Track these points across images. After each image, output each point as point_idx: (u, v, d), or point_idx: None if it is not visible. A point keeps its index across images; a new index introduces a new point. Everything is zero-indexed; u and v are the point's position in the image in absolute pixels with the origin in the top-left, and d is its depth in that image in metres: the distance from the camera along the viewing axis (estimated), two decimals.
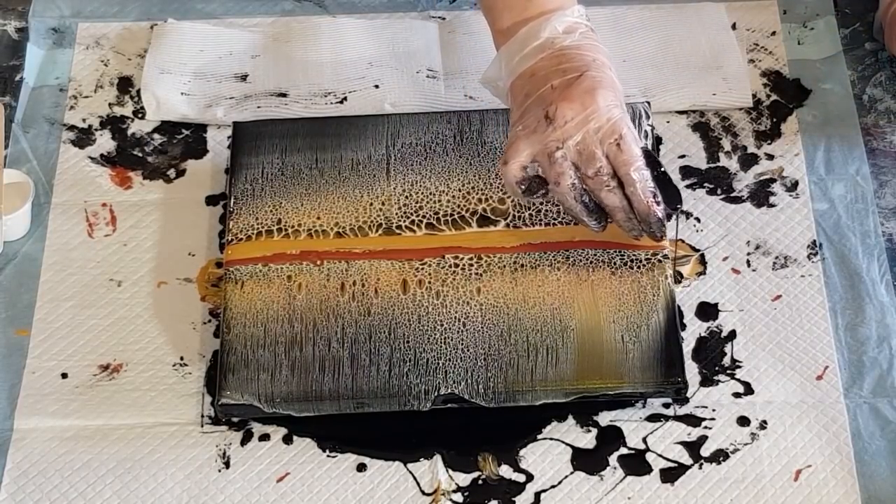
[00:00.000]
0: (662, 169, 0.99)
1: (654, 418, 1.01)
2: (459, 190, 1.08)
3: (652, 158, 0.98)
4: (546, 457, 0.99)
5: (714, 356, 1.04)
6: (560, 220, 1.06)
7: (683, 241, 1.10)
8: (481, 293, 1.02)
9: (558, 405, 0.99)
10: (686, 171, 1.14)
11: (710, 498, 0.97)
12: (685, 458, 0.99)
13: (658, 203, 0.98)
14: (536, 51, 0.99)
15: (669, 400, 1.01)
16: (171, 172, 1.15)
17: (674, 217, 1.03)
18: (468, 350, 1.00)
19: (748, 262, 1.08)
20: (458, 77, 1.20)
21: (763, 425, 1.00)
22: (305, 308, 1.02)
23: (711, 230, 1.10)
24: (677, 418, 1.01)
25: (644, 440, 1.00)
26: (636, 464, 0.99)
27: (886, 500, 0.97)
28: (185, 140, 1.17)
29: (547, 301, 1.02)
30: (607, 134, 0.95)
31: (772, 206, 1.12)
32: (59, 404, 1.02)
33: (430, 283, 1.03)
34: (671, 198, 0.99)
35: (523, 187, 0.99)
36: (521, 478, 0.98)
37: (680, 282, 1.07)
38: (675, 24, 1.23)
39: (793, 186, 1.13)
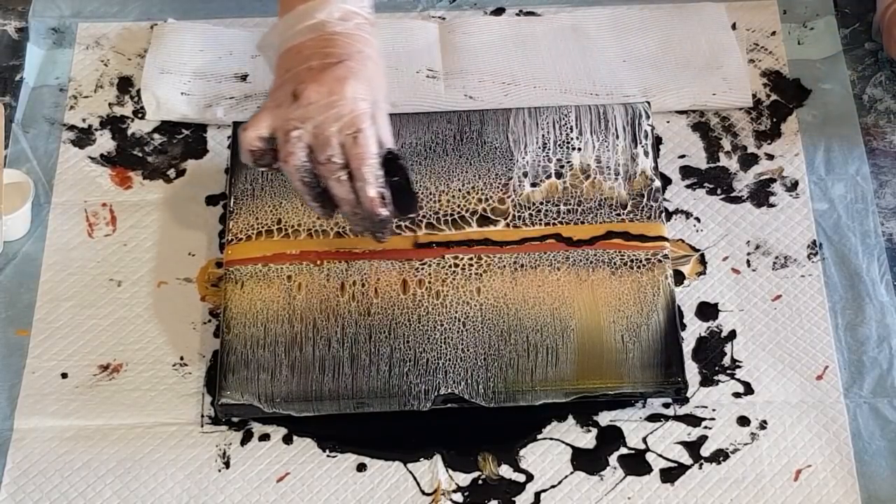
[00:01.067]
0: (408, 177, 0.99)
1: (654, 418, 1.01)
2: (459, 190, 1.08)
3: (396, 162, 0.98)
4: (546, 457, 0.99)
5: (714, 356, 1.04)
6: (560, 220, 1.06)
7: (683, 241, 1.10)
8: (481, 293, 1.02)
9: (558, 405, 0.99)
10: (686, 171, 1.14)
11: (710, 498, 0.97)
12: (685, 458, 0.99)
13: (385, 204, 0.97)
14: (308, 30, 0.99)
15: (669, 400, 1.01)
16: (171, 172, 1.15)
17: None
18: (468, 350, 1.00)
19: (748, 261, 1.08)
20: (458, 77, 1.20)
21: (763, 425, 1.00)
22: (305, 308, 1.02)
23: (711, 230, 1.10)
24: (677, 418, 1.01)
25: (644, 440, 1.00)
26: (636, 464, 0.99)
27: (886, 500, 0.97)
28: (185, 140, 1.17)
29: (547, 301, 1.02)
30: (347, 124, 0.95)
31: (772, 206, 1.12)
32: (59, 404, 1.02)
33: (430, 283, 1.03)
34: (405, 206, 1.00)
35: (256, 157, 0.99)
36: (521, 478, 0.98)
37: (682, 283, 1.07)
38: (675, 24, 1.23)
39: (793, 186, 1.13)
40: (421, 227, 1.06)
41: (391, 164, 0.98)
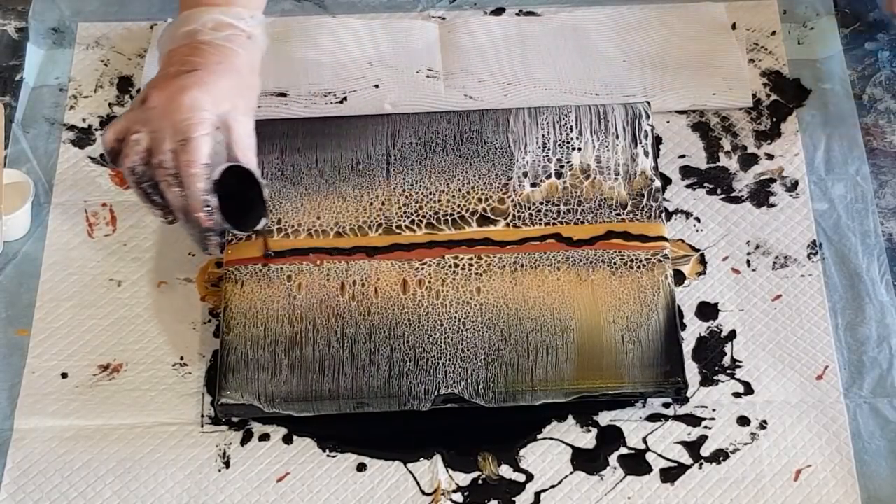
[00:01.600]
0: (261, 193, 1.01)
1: (654, 418, 1.01)
2: (459, 190, 1.08)
3: (244, 174, 0.99)
4: (546, 457, 0.99)
5: (714, 356, 1.04)
6: (560, 220, 1.06)
7: (683, 241, 1.10)
8: (481, 293, 1.02)
9: (558, 405, 0.99)
10: (686, 171, 1.14)
11: (710, 498, 0.97)
12: (685, 458, 0.99)
13: (210, 214, 0.98)
14: (183, 37, 1.02)
15: (669, 400, 1.01)
16: None
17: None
18: (468, 350, 1.00)
19: (748, 261, 1.08)
20: (458, 77, 1.20)
21: (763, 425, 1.00)
22: (305, 308, 1.02)
23: (711, 230, 1.10)
24: (677, 418, 1.01)
25: (644, 440, 1.00)
26: (636, 464, 0.99)
27: (886, 500, 0.97)
28: None
29: (547, 301, 1.02)
30: (178, 132, 0.96)
31: (772, 205, 1.12)
32: (59, 404, 1.02)
33: (430, 283, 1.03)
34: (249, 221, 1.02)
35: (111, 158, 1.00)
36: (521, 478, 0.98)
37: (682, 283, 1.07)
38: (675, 24, 1.23)
39: (793, 186, 1.13)
40: (421, 227, 1.06)
41: (241, 177, 0.99)
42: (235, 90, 1.00)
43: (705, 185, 1.13)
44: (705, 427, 1.00)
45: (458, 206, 1.07)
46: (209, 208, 0.98)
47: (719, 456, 0.99)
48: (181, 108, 0.97)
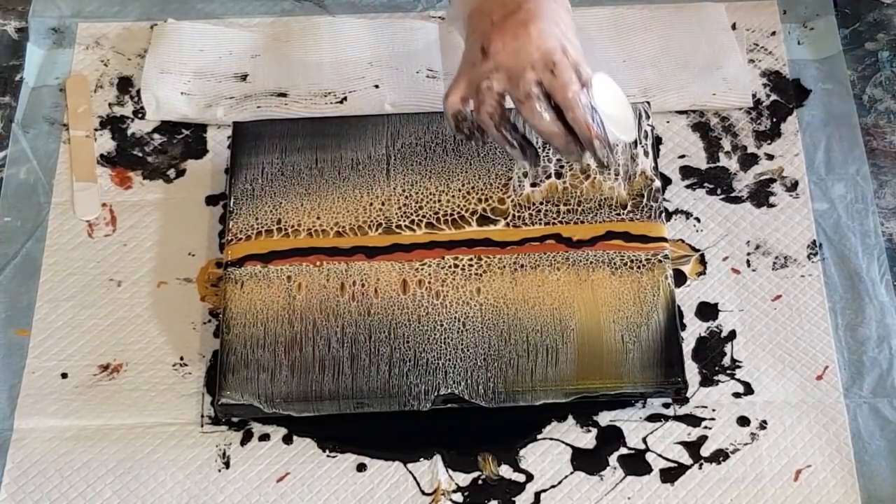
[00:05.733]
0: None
1: (654, 418, 1.01)
2: (459, 190, 1.08)
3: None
4: (546, 457, 0.99)
5: (714, 356, 1.04)
6: (560, 220, 1.06)
7: (683, 241, 1.10)
8: (481, 293, 1.02)
9: (558, 405, 0.99)
10: (686, 171, 1.14)
11: (710, 498, 0.97)
12: (685, 458, 0.99)
13: (598, 126, 0.97)
14: None
15: (669, 400, 1.01)
16: (171, 172, 1.15)
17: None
18: (468, 350, 1.00)
19: (748, 262, 1.08)
20: None
21: (763, 425, 1.00)
22: (305, 308, 1.02)
23: (711, 230, 1.10)
24: (677, 418, 1.01)
25: (644, 440, 1.00)
26: (636, 464, 0.99)
27: (886, 500, 0.97)
28: (185, 140, 1.17)
29: (547, 301, 1.02)
30: (540, 61, 0.96)
31: (772, 206, 1.12)
32: (59, 404, 1.02)
33: (430, 283, 1.03)
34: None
35: (458, 121, 0.99)
36: (521, 478, 0.98)
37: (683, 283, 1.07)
38: (675, 24, 1.23)
39: (793, 186, 1.13)
40: (421, 227, 1.06)
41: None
42: (560, 13, 1.00)
43: (705, 185, 1.13)
44: (705, 427, 1.00)
45: (458, 206, 1.07)
46: (596, 121, 0.96)
47: (719, 456, 0.99)
48: (530, 41, 0.96)
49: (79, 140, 1.16)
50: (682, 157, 1.15)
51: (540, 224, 1.06)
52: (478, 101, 0.97)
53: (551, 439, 1.00)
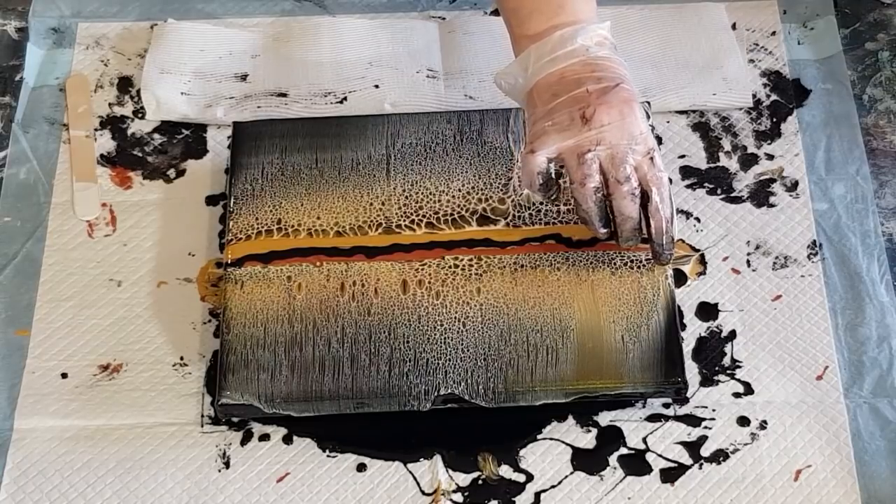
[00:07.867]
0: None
1: (654, 418, 1.01)
2: (459, 190, 1.08)
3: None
4: (546, 457, 0.99)
5: (714, 356, 1.04)
6: (560, 220, 1.06)
7: (683, 241, 1.10)
8: (481, 293, 1.02)
9: (558, 405, 0.99)
10: (686, 171, 1.14)
11: (710, 498, 0.97)
12: (685, 458, 0.99)
13: (673, 225, 0.98)
14: (568, 55, 0.99)
15: (669, 400, 1.01)
16: (171, 172, 1.15)
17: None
18: (468, 350, 1.00)
19: (748, 262, 1.09)
20: (458, 77, 1.20)
21: (763, 425, 1.00)
22: (305, 308, 1.02)
23: (711, 230, 1.10)
24: (677, 418, 1.01)
25: (644, 440, 1.00)
26: (636, 464, 0.99)
27: (886, 500, 0.97)
28: (185, 140, 1.17)
29: (547, 301, 1.02)
30: (641, 146, 0.96)
31: (772, 206, 1.12)
32: (59, 404, 1.02)
33: (429, 283, 1.03)
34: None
35: (541, 181, 0.99)
36: (521, 478, 0.98)
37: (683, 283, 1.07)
38: (675, 24, 1.23)
39: (793, 186, 1.13)
40: (421, 227, 1.06)
41: None
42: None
43: (705, 185, 1.13)
44: (705, 427, 1.00)
45: (458, 206, 1.07)
46: (674, 221, 0.98)
47: (719, 456, 0.99)
48: (637, 122, 0.96)
49: (79, 140, 1.16)
50: (683, 157, 1.15)
51: (540, 224, 1.06)
52: (581, 171, 0.96)
53: (551, 439, 1.00)
